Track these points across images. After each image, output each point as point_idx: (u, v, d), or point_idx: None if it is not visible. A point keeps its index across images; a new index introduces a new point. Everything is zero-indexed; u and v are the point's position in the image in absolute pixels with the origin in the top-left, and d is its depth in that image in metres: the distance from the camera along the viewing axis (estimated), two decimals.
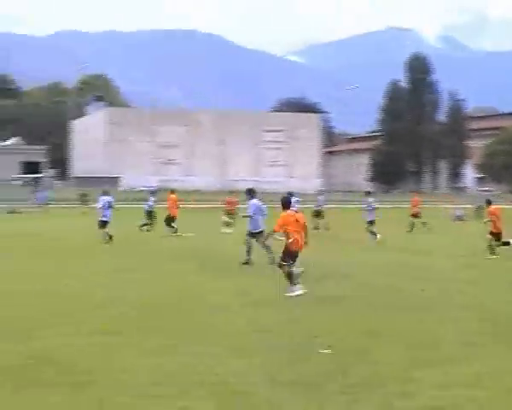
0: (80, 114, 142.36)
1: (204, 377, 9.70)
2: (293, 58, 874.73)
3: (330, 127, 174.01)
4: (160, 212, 36.61)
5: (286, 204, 17.31)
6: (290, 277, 16.61)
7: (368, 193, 35.26)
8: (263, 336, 12.24)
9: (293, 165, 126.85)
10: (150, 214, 37.55)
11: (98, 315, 13.78)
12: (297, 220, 16.89)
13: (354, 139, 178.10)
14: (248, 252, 22.25)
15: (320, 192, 36.04)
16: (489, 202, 27.77)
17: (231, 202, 38.87)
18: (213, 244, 29.64)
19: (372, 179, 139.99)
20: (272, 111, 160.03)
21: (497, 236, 26.31)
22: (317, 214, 38.74)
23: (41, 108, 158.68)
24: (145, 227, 36.34)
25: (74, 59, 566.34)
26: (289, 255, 16.72)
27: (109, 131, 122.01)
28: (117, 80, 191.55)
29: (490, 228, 26.56)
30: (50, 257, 24.20)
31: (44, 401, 8.69)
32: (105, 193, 30.88)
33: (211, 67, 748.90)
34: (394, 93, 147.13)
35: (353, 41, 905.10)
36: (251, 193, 23.20)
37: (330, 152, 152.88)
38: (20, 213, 51.50)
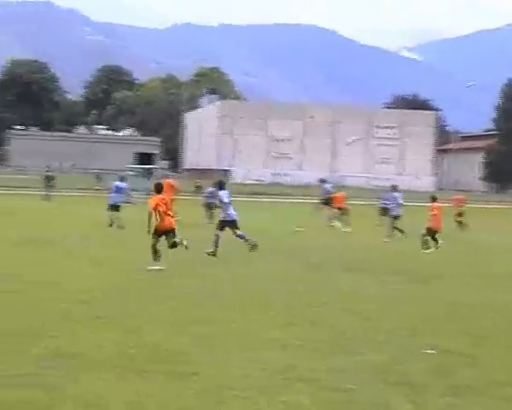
0: (194, 107, 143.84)
1: (304, 374, 9.73)
2: (407, 54, 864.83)
3: (443, 125, 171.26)
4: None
5: (158, 189, 19.84)
6: (155, 252, 18.86)
7: (394, 188, 33.72)
8: (366, 333, 12.21)
9: (404, 162, 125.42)
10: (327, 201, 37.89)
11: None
12: (165, 203, 19.38)
13: (467, 138, 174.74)
14: (216, 243, 22.55)
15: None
16: None
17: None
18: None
19: (485, 179, 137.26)
20: (384, 107, 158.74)
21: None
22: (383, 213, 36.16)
23: (156, 99, 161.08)
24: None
25: (189, 52, 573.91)
26: (157, 232, 19.03)
27: (221, 124, 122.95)
28: (230, 73, 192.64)
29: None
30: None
31: (148, 389, 8.87)
32: (122, 179, 32.52)
33: (322, 62, 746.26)
34: (511, 92, 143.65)
35: (470, 38, 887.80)
36: (220, 185, 24.23)
37: (442, 150, 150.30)
38: (133, 203, 52.35)
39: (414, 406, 8.60)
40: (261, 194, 72.93)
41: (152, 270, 18.32)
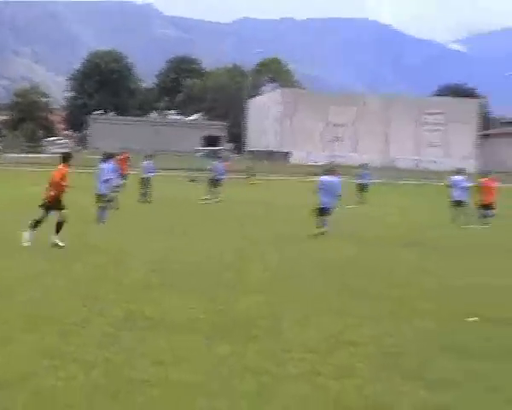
0: (256, 94, 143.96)
1: (358, 338, 9.79)
2: (456, 47, 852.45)
3: (487, 112, 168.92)
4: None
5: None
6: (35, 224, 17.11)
7: (459, 171, 29.80)
8: (413, 302, 12.21)
9: (450, 146, 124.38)
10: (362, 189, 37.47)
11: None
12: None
13: (508, 123, 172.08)
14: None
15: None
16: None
17: None
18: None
19: None
20: (433, 95, 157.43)
21: None
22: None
23: (222, 87, 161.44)
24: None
25: (253, 43, 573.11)
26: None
27: (282, 110, 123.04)
28: (291, 64, 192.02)
29: None
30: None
31: (214, 351, 9.03)
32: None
33: (377, 53, 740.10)
34: None
35: None
36: (105, 157, 23.83)
37: (486, 135, 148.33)
38: (199, 182, 52.63)
39: (461, 370, 8.62)
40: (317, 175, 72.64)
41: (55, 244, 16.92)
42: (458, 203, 27.81)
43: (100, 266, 14.54)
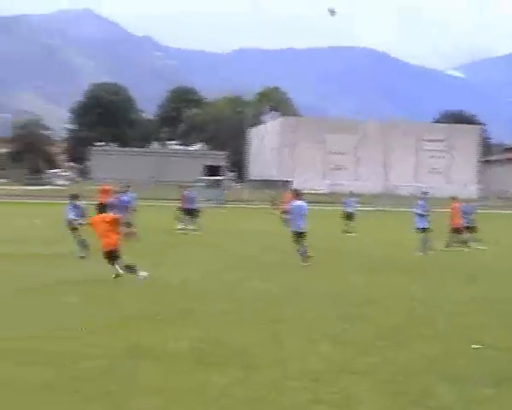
0: (257, 123, 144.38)
1: (360, 367, 9.78)
2: (454, 73, 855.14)
3: (487, 138, 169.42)
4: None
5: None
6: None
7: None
8: (411, 329, 12.20)
9: (450, 172, 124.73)
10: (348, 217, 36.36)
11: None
12: (105, 221, 16.91)
13: (510, 149, 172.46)
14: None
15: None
16: None
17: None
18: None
19: None
20: (432, 122, 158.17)
21: None
22: None
23: (223, 117, 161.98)
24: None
25: (253, 74, 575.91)
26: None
27: (282, 138, 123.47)
28: (291, 93, 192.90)
29: None
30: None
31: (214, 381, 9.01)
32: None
33: (376, 81, 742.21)
34: None
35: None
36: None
37: (487, 161, 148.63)
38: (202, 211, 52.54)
39: (459, 397, 8.62)
40: (319, 202, 72.78)
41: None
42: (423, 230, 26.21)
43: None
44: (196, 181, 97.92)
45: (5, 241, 25.95)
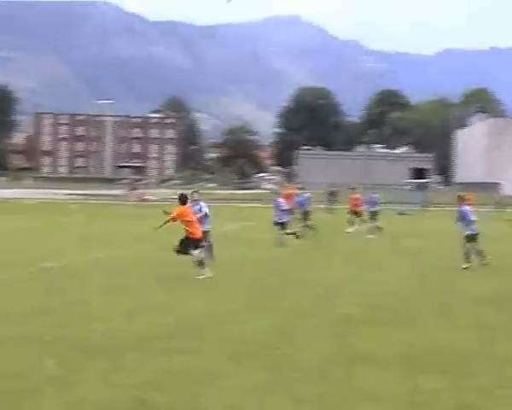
0: (463, 126, 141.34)
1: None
2: None
3: None
4: None
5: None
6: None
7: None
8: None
9: None
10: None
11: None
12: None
13: None
14: None
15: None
16: None
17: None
18: None
19: None
20: None
21: None
22: None
23: (428, 120, 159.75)
24: None
25: (460, 75, 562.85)
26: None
27: (490, 140, 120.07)
28: (499, 94, 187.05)
29: None
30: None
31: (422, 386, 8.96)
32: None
33: None
34: None
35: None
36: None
37: None
38: (409, 215, 52.16)
39: None
40: None
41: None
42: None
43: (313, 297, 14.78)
44: (402, 184, 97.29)
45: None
